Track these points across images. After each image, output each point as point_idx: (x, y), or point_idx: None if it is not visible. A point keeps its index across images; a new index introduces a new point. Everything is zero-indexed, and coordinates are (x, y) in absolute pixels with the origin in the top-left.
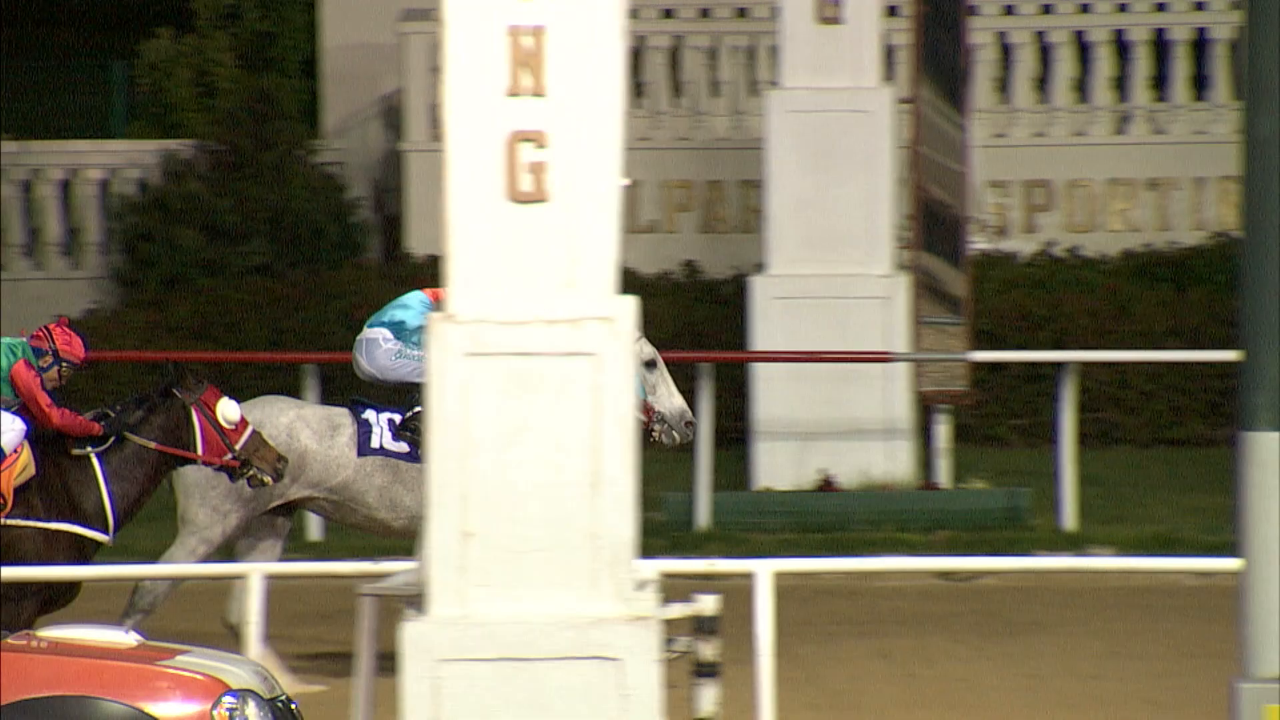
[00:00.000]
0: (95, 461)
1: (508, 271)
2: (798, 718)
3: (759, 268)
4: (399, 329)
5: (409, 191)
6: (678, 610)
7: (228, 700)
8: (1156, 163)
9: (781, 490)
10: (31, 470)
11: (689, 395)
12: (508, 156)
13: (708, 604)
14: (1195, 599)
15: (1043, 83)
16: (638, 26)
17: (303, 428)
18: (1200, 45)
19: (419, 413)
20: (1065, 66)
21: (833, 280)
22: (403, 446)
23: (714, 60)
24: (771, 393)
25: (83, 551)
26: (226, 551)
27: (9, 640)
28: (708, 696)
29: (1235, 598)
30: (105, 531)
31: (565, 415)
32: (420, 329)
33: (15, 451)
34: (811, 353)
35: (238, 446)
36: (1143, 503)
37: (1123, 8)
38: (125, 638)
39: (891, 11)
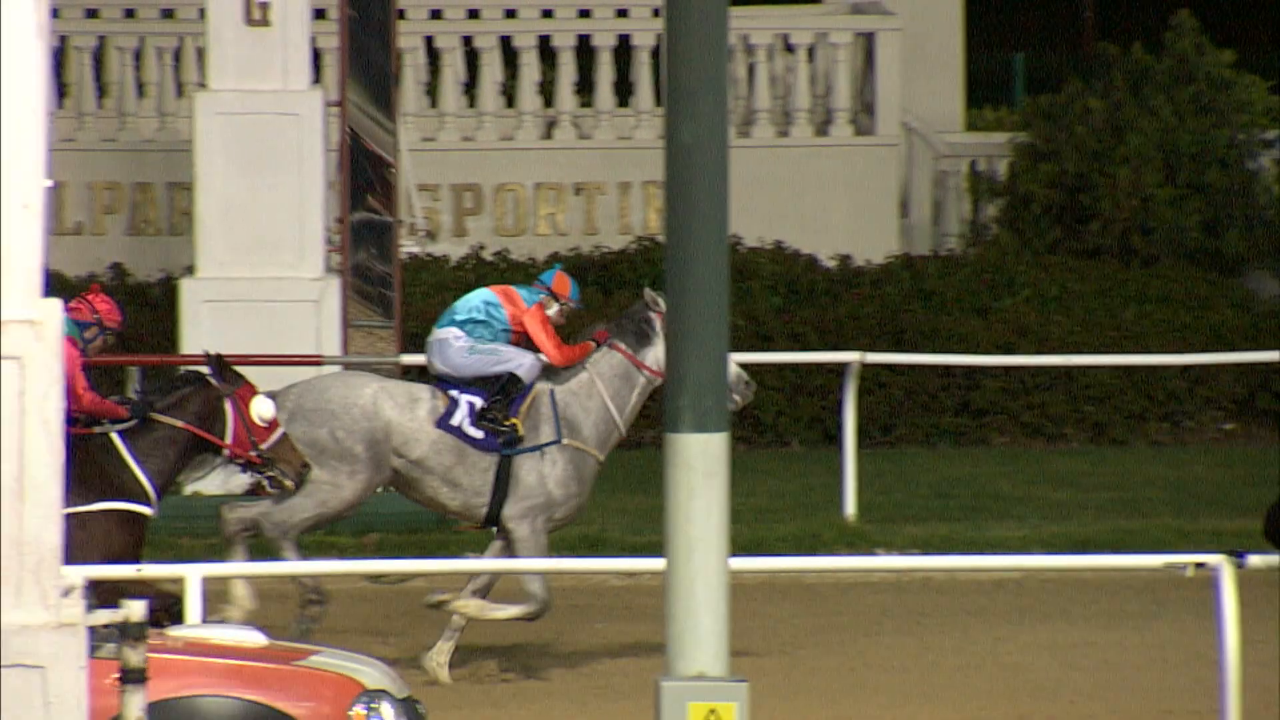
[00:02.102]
0: (119, 441)
1: None
2: None
3: (189, 270)
4: (468, 327)
5: None
6: (105, 616)
7: (364, 700)
8: (583, 167)
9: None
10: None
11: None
12: None
13: (135, 610)
14: (621, 599)
15: (470, 87)
16: (60, 26)
17: (385, 399)
18: (624, 52)
19: (498, 402)
20: (492, 71)
21: (263, 283)
22: (477, 433)
23: (140, 61)
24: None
25: (134, 528)
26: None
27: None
28: (134, 703)
29: (661, 597)
30: (149, 505)
31: None
32: (486, 324)
33: None
34: (242, 356)
35: (264, 445)
36: None
37: (547, 14)
38: (255, 637)
39: (320, 15)
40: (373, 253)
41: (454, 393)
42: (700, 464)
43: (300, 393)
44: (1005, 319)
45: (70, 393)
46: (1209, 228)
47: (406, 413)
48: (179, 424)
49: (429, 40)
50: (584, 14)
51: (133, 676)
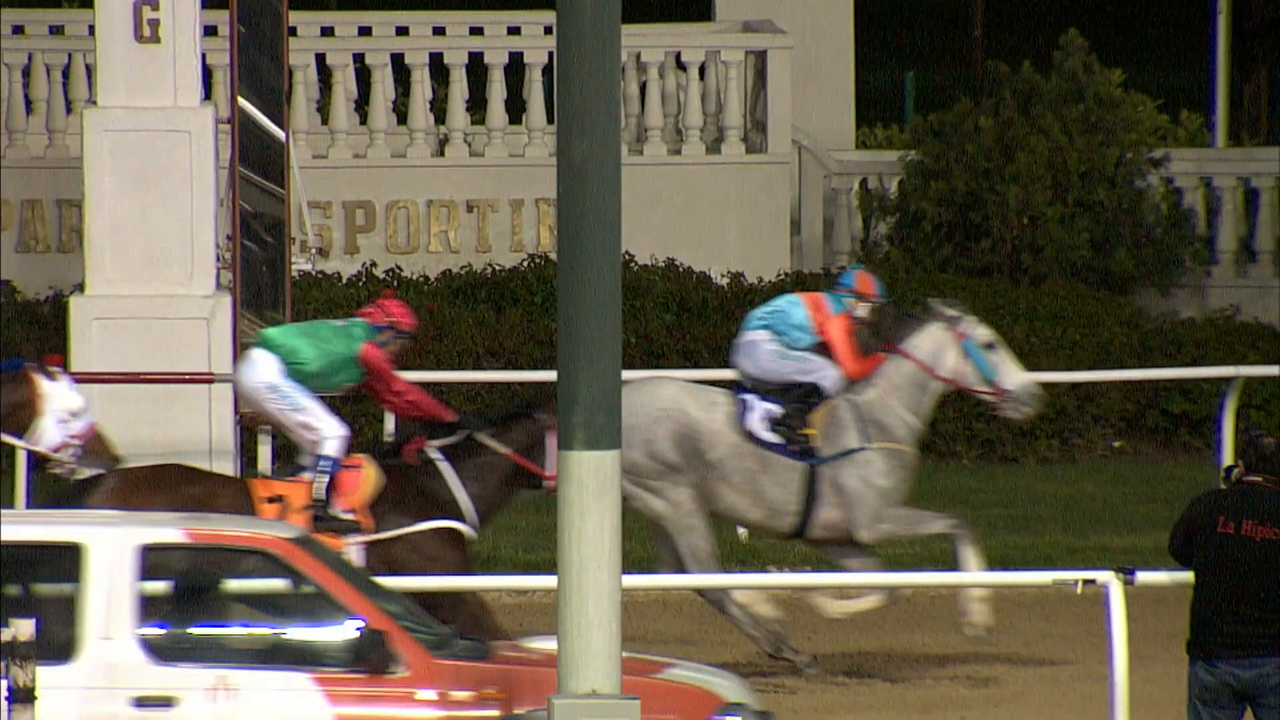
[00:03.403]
0: (444, 463)
1: None
2: None
3: (79, 288)
4: (778, 331)
5: None
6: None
7: (723, 713)
8: (475, 185)
9: None
10: (380, 480)
11: None
12: None
13: (24, 629)
14: (514, 617)
15: (362, 105)
16: None
17: (687, 400)
18: (516, 69)
19: (797, 409)
20: (384, 89)
21: (153, 301)
22: (775, 438)
23: (29, 77)
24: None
25: (460, 547)
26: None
27: (502, 651)
28: None
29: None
30: (473, 527)
31: None
32: (796, 330)
33: (355, 465)
34: (132, 374)
35: None
36: None
37: (439, 31)
38: None
39: (210, 32)
40: (264, 270)
41: (748, 398)
42: (592, 482)
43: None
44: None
45: (386, 392)
46: (1098, 246)
47: (706, 413)
48: (503, 450)
49: (320, 57)
50: (475, 31)
51: (20, 696)
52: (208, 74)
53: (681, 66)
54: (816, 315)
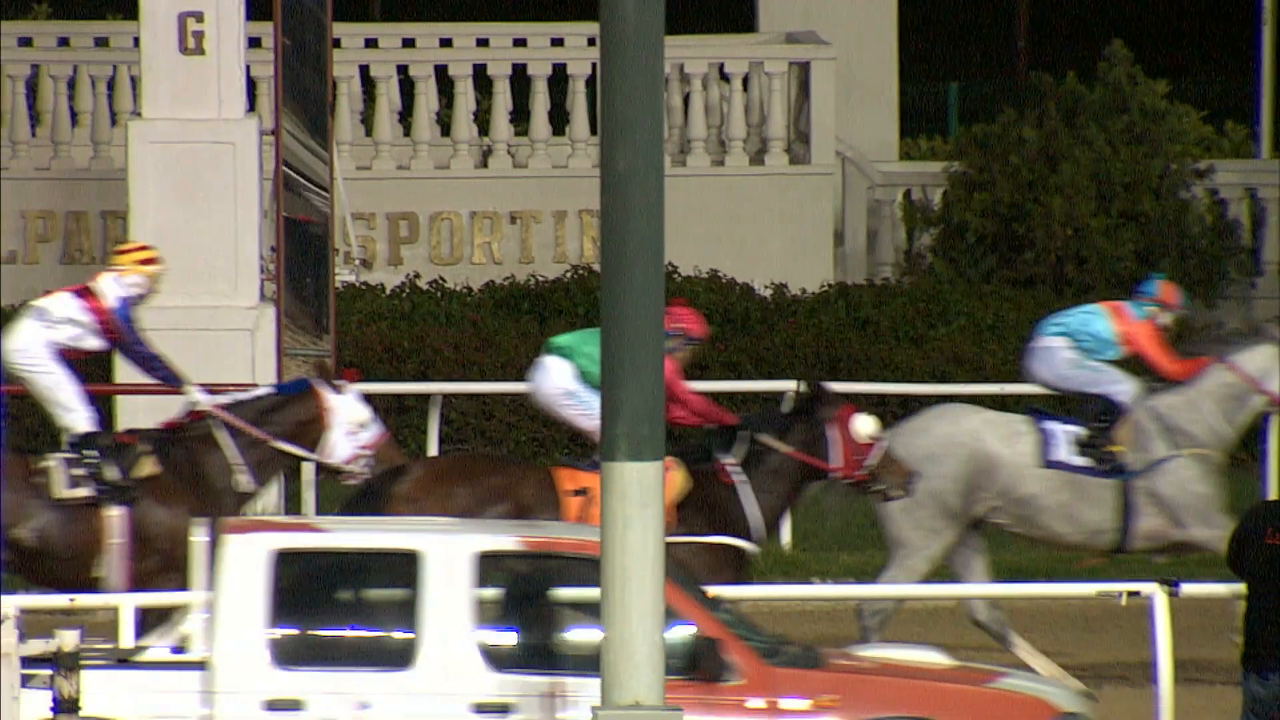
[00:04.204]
0: (737, 474)
1: None
2: None
3: None
4: (1076, 338)
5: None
6: (38, 647)
7: None
8: (518, 196)
9: None
10: (687, 484)
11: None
12: None
13: (68, 639)
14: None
15: (405, 116)
16: None
17: (988, 432)
18: (559, 81)
19: (1099, 427)
20: (427, 100)
21: (198, 312)
22: (1085, 461)
23: (74, 90)
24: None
25: (741, 564)
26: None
27: (834, 659)
28: None
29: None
30: (759, 542)
31: None
32: (1096, 340)
33: (666, 466)
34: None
35: (868, 461)
36: None
37: (483, 43)
38: (940, 658)
39: (255, 43)
40: (307, 281)
41: (1049, 426)
42: (635, 493)
43: (901, 434)
44: (940, 348)
45: (672, 400)
46: (1142, 257)
47: (1009, 446)
48: (786, 449)
49: (364, 69)
50: (519, 43)
51: (66, 706)
52: (252, 86)
53: (725, 78)
54: (1120, 324)
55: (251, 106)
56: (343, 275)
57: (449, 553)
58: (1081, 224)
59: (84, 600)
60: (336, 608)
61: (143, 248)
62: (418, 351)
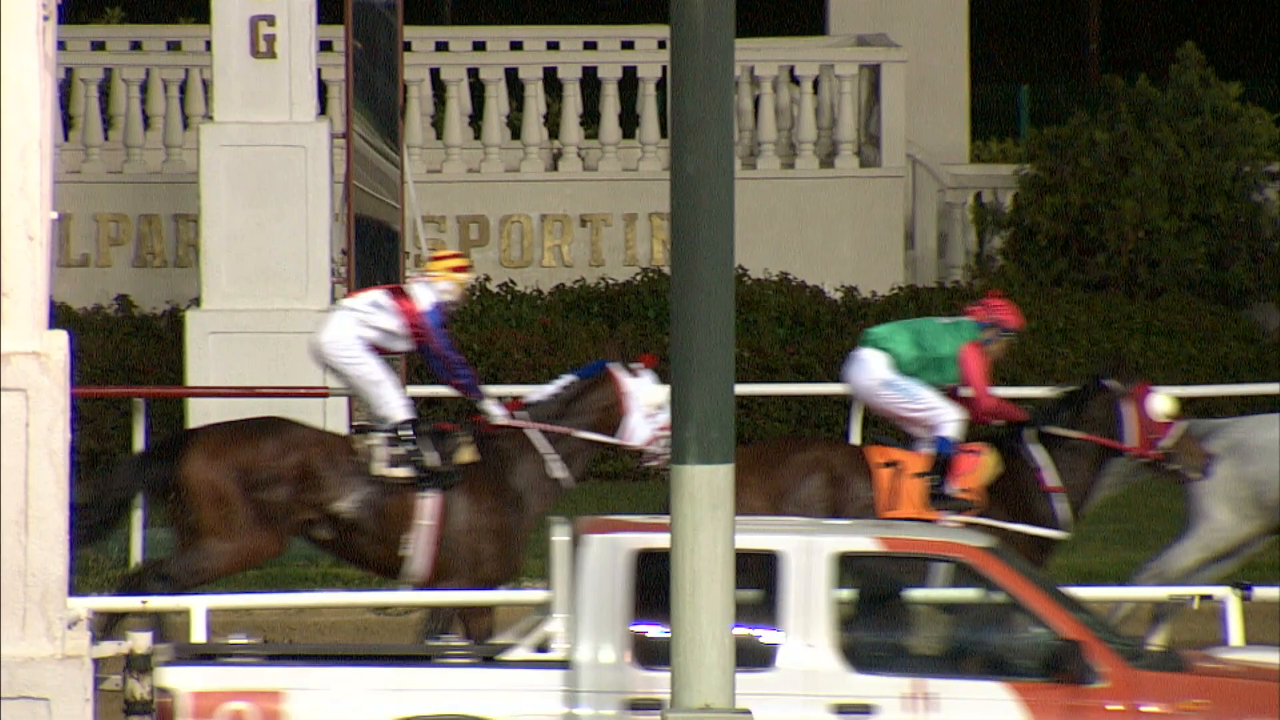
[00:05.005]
0: (1036, 456)
1: None
2: None
3: (194, 302)
4: None
5: None
6: (110, 649)
7: None
8: (588, 199)
9: None
10: (998, 469)
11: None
12: None
13: (140, 642)
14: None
15: (476, 119)
16: (66, 59)
17: None
18: (629, 83)
19: None
20: (498, 103)
21: (269, 315)
22: None
23: (146, 93)
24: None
25: (1042, 551)
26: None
27: (1197, 662)
28: None
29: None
30: (1057, 528)
31: None
32: None
33: (974, 450)
34: (248, 388)
35: (1163, 441)
36: None
37: (553, 46)
38: None
39: (326, 47)
40: (378, 284)
41: None
42: (705, 496)
43: (1246, 428)
44: (1011, 351)
45: (970, 396)
46: (1214, 260)
47: None
48: (1075, 435)
49: (434, 72)
50: (589, 46)
51: (138, 708)
52: (323, 89)
53: (795, 80)
54: None
55: (322, 110)
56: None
57: (809, 553)
58: (1153, 226)
59: (156, 603)
60: None
61: (456, 255)
62: (488, 354)
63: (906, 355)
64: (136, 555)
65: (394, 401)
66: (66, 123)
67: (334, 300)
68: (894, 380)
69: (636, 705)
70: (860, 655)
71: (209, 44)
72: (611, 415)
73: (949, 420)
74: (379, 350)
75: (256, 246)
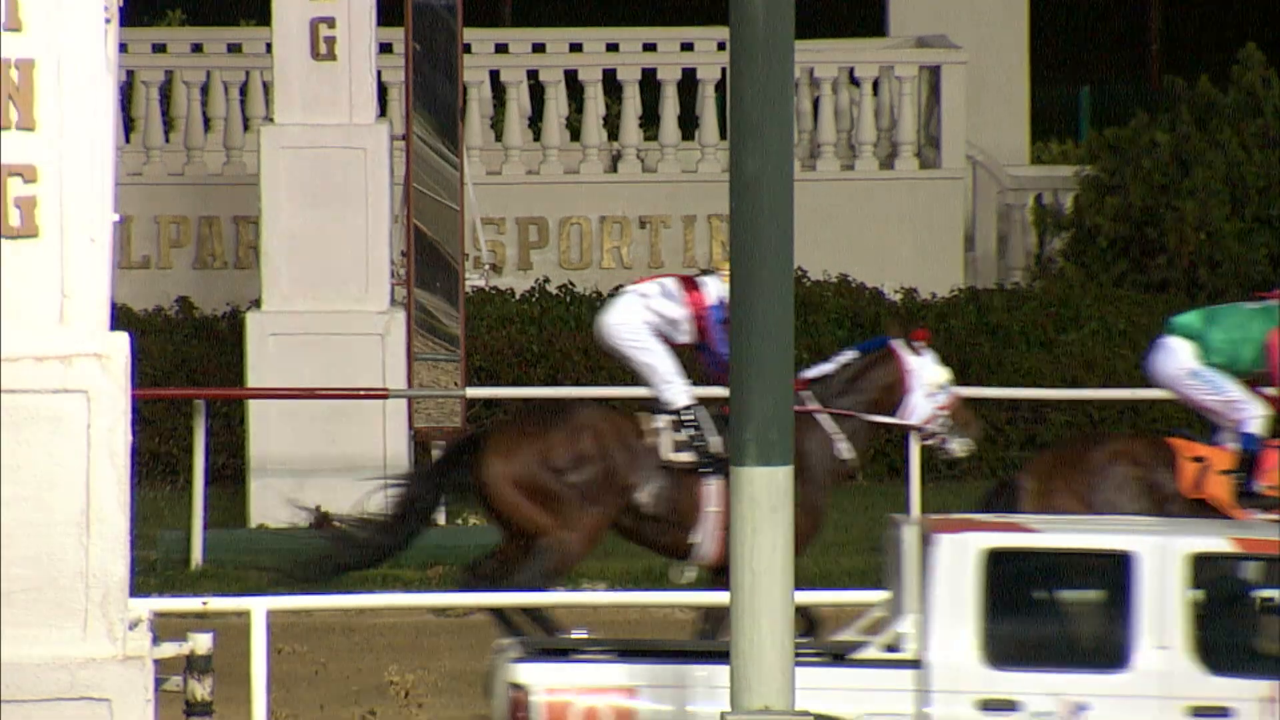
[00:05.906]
0: None
1: None
2: None
3: (255, 304)
4: None
5: None
6: (170, 650)
7: None
8: (647, 201)
9: (276, 528)
10: None
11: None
12: None
13: (201, 643)
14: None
15: (535, 121)
16: (128, 61)
17: None
18: (689, 85)
19: None
20: (557, 105)
21: (329, 317)
22: None
23: (207, 95)
24: (267, 430)
25: None
26: None
27: None
28: None
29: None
30: None
31: (57, 453)
32: None
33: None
34: (308, 390)
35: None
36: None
37: (612, 48)
38: None
39: (386, 49)
40: (438, 286)
41: None
42: (765, 498)
43: None
44: (1071, 353)
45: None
46: (1276, 261)
47: None
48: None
49: (494, 74)
50: (649, 48)
51: (199, 709)
52: (383, 91)
53: (855, 82)
54: None
55: (382, 112)
56: (473, 280)
57: (1163, 554)
58: (1214, 228)
59: (216, 604)
60: (1047, 608)
61: None
62: (547, 356)
63: (1216, 339)
64: (197, 555)
65: (676, 385)
66: (128, 125)
67: (394, 301)
68: (1200, 370)
69: (988, 705)
70: (1216, 657)
71: (269, 46)
72: (893, 393)
73: (1254, 416)
74: (661, 338)
75: (316, 248)
